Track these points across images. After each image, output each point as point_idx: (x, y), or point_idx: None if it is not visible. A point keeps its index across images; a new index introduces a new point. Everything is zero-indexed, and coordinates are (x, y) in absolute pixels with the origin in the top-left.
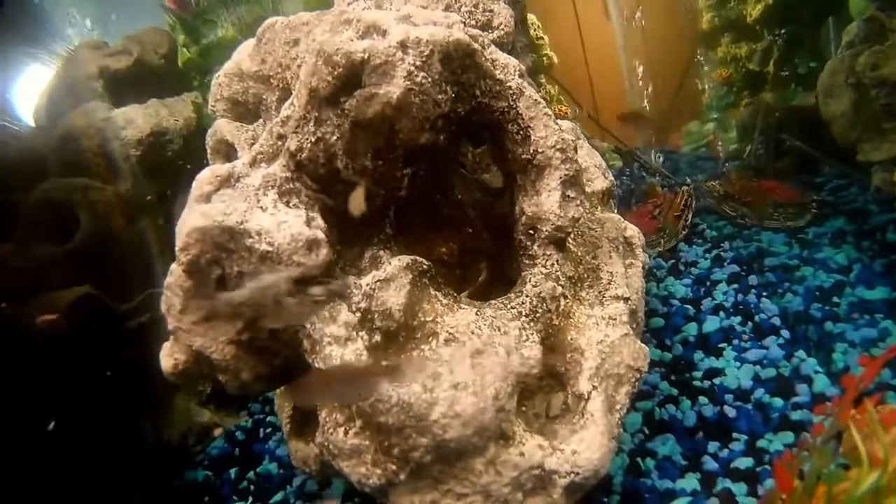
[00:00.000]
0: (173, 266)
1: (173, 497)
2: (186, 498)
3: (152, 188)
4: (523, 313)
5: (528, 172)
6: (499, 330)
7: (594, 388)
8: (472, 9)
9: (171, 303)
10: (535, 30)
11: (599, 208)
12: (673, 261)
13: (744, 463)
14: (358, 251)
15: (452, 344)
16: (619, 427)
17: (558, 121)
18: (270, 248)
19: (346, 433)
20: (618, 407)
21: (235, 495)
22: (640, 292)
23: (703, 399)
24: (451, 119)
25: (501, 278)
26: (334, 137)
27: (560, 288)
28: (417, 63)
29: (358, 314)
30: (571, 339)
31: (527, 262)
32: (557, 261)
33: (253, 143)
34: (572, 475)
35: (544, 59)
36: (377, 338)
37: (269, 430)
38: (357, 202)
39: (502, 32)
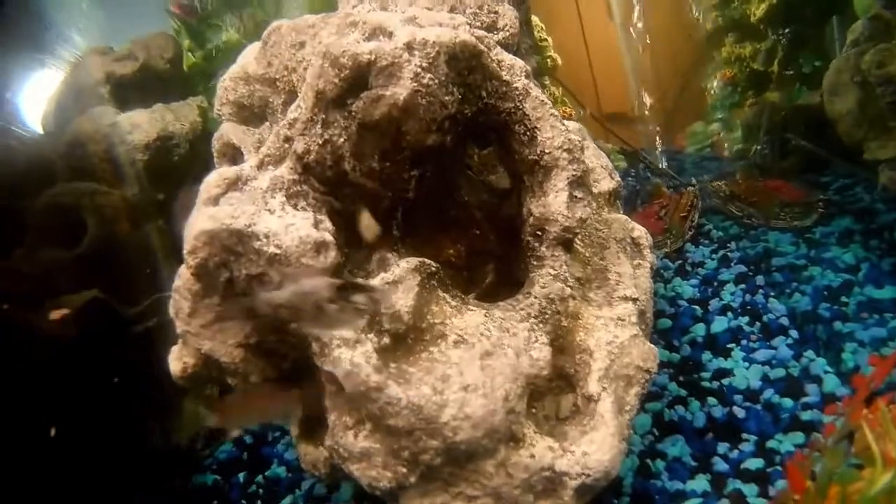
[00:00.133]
0: (181, 269)
1: (182, 501)
2: (195, 502)
3: (158, 192)
4: (532, 315)
5: (535, 173)
6: (508, 331)
7: (604, 389)
8: (477, 10)
9: (180, 306)
10: (538, 31)
11: (606, 209)
12: (679, 261)
13: (754, 464)
14: (365, 253)
15: (462, 346)
16: (629, 428)
17: (564, 121)
18: (278, 251)
19: (355, 436)
20: (628, 408)
21: (244, 499)
22: (649, 293)
23: (712, 400)
24: (458, 120)
25: (509, 280)
26: (341, 139)
27: (568, 289)
28: (424, 64)
29: (366, 316)
30: (580, 340)
31: (535, 263)
32: (565, 262)
33: (259, 147)
34: (583, 477)
35: (548, 60)
36: (386, 340)
37: (277, 433)
38: (369, 227)
39: (507, 34)
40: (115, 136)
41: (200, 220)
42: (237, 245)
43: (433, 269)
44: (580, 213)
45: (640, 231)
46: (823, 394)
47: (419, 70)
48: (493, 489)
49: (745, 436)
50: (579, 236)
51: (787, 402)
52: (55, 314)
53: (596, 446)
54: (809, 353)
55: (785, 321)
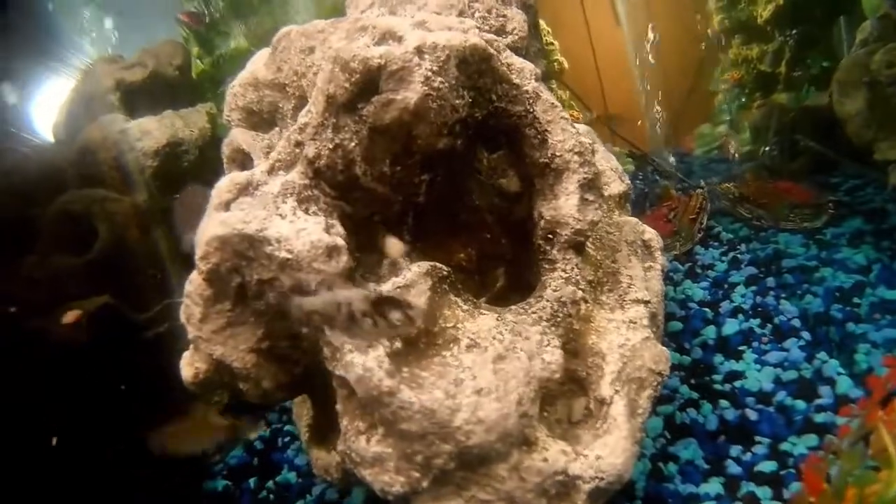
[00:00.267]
0: (193, 275)
1: None
2: None
3: (168, 198)
4: (544, 318)
5: (546, 176)
6: (520, 335)
7: (616, 392)
8: (486, 14)
9: (192, 311)
10: (545, 35)
11: (617, 212)
12: (689, 264)
13: (768, 466)
14: (377, 258)
15: (474, 350)
16: (642, 431)
17: (575, 124)
18: (290, 256)
19: (368, 441)
20: (640, 411)
21: None
22: (660, 295)
23: (724, 402)
24: (469, 124)
25: (520, 283)
26: (352, 144)
27: (580, 292)
28: (434, 68)
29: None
30: (592, 343)
31: (546, 266)
32: (577, 265)
33: (269, 152)
34: (596, 480)
35: (555, 64)
36: (398, 344)
37: (287, 439)
38: (394, 246)
39: (516, 37)
40: (125, 143)
41: (212, 226)
42: (249, 250)
43: (445, 272)
44: (591, 216)
45: (650, 233)
46: (837, 396)
47: (430, 74)
48: (507, 493)
49: (757, 438)
50: (590, 239)
51: (800, 404)
52: (69, 316)
53: (609, 450)
54: (822, 355)
55: (797, 323)
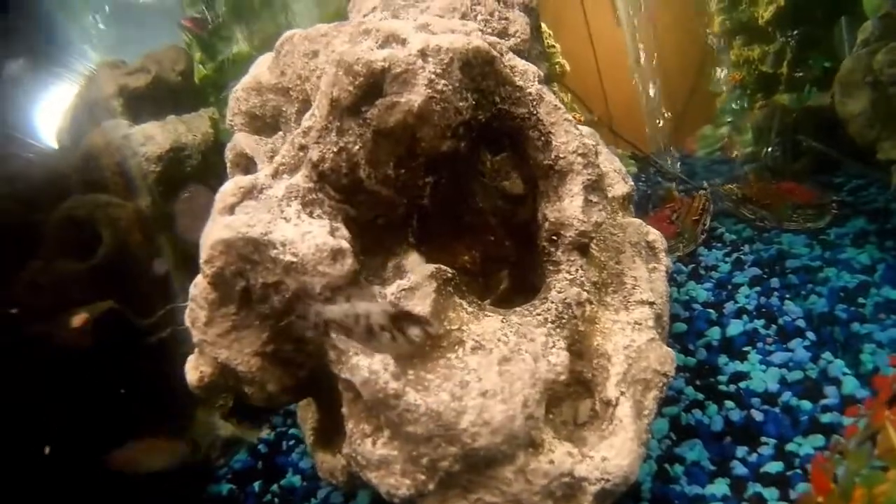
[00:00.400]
0: (198, 278)
1: None
2: None
3: (171, 203)
4: (549, 320)
5: (550, 178)
6: (525, 337)
7: (622, 393)
8: (488, 17)
9: (196, 315)
10: (546, 38)
11: (621, 213)
12: (693, 265)
13: (774, 467)
14: (381, 260)
15: (479, 352)
16: (648, 433)
17: (579, 126)
18: (295, 259)
19: (374, 444)
20: (646, 412)
21: None
22: (665, 296)
23: (729, 403)
24: (472, 126)
25: (524, 286)
26: (356, 147)
27: (585, 293)
28: (438, 71)
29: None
30: (598, 344)
31: (551, 268)
32: (581, 266)
33: (272, 156)
34: (602, 482)
35: (556, 66)
36: None
37: (291, 442)
38: (415, 263)
39: (518, 40)
40: (129, 148)
41: (216, 229)
42: (253, 254)
43: (449, 275)
44: (596, 218)
45: (654, 234)
46: (842, 396)
47: (433, 76)
48: (513, 495)
49: (763, 439)
50: (595, 241)
51: (806, 404)
52: (77, 319)
53: (615, 451)
54: (827, 355)
55: (801, 323)
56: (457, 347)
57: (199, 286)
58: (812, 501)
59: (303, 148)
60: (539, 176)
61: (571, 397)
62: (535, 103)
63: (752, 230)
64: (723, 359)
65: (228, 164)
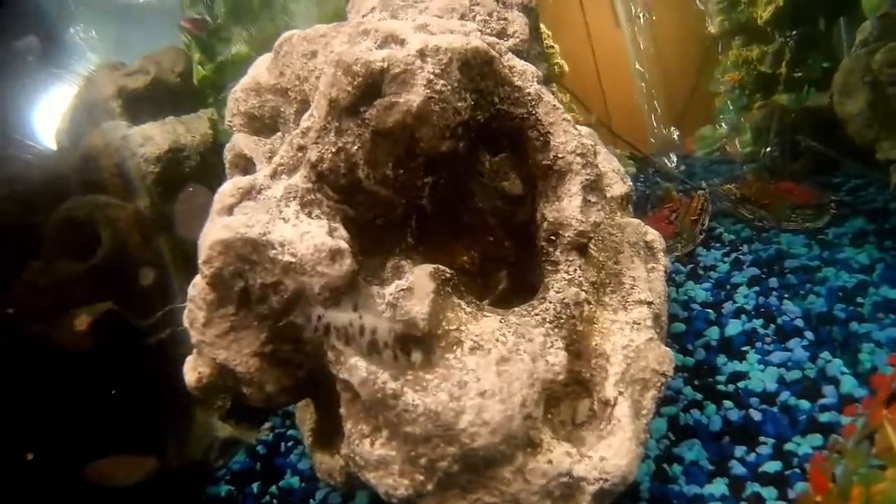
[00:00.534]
0: (196, 279)
1: None
2: None
3: (170, 204)
4: (547, 320)
5: (549, 178)
6: (523, 337)
7: (620, 393)
8: (487, 17)
9: (195, 316)
10: (545, 38)
11: (619, 213)
12: (691, 265)
13: (772, 467)
14: (380, 261)
15: (478, 352)
16: (646, 432)
17: (577, 126)
18: (293, 259)
19: (372, 444)
20: (644, 412)
21: None
22: (663, 296)
23: (727, 403)
24: (471, 126)
25: (523, 286)
26: (355, 147)
27: (583, 293)
28: (436, 71)
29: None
30: (596, 344)
31: (549, 268)
32: (580, 266)
33: (271, 157)
34: (601, 482)
35: (555, 67)
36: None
37: (290, 443)
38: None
39: (517, 40)
40: (127, 149)
41: (215, 230)
42: (252, 254)
43: (448, 275)
44: (594, 218)
45: (653, 234)
46: (841, 395)
47: (432, 77)
48: (512, 495)
49: (762, 439)
50: (593, 241)
51: (804, 404)
52: (81, 322)
53: (613, 451)
54: (825, 355)
55: (800, 323)
56: (455, 347)
57: (197, 287)
58: (810, 501)
59: (301, 148)
60: (538, 176)
61: (570, 397)
62: (533, 103)
63: (750, 230)
64: (721, 358)
65: (227, 165)
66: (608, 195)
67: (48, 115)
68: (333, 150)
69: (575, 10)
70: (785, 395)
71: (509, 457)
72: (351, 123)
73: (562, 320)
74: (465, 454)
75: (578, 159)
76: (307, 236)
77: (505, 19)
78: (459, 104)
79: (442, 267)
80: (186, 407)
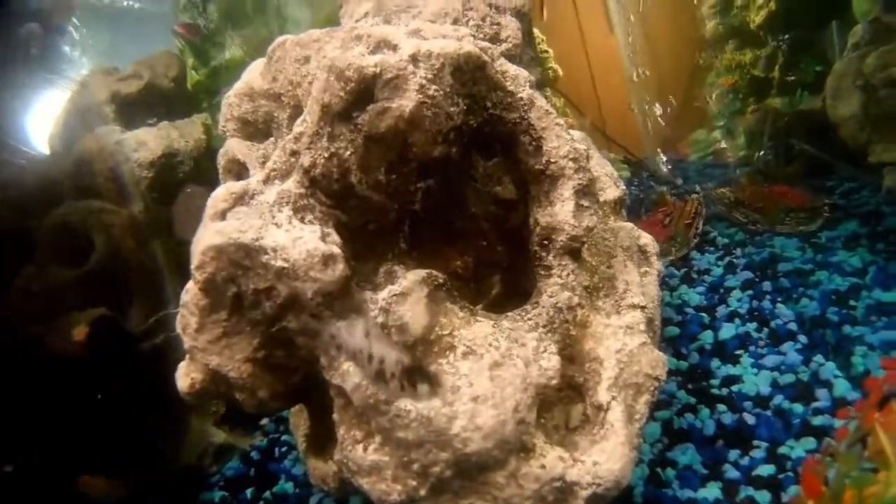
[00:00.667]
0: (189, 284)
1: None
2: None
3: (164, 209)
4: (540, 324)
5: (542, 183)
6: (516, 342)
7: (613, 397)
8: (480, 22)
9: (188, 322)
10: (539, 43)
11: (612, 217)
12: (685, 269)
13: (766, 470)
14: (373, 266)
15: (470, 357)
16: (640, 437)
17: (570, 131)
18: (286, 265)
19: (365, 449)
20: (637, 416)
21: None
22: (657, 300)
23: (721, 407)
24: (464, 131)
25: (516, 290)
26: (348, 152)
27: (576, 298)
28: (429, 76)
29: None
30: (589, 349)
31: (542, 272)
32: (573, 271)
33: (264, 162)
34: (594, 486)
35: (549, 72)
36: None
37: (284, 449)
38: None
39: (510, 45)
40: (121, 154)
41: (208, 235)
42: (245, 259)
43: (441, 280)
44: (587, 222)
45: (646, 239)
46: (834, 398)
47: (424, 82)
48: (505, 500)
49: (755, 442)
50: (586, 245)
51: (798, 407)
52: (79, 332)
53: (606, 455)
54: (819, 358)
55: (793, 326)
56: (448, 353)
57: (190, 292)
58: None
59: (294, 153)
60: (530, 181)
61: (563, 402)
62: (526, 108)
63: (744, 234)
64: (715, 362)
65: (220, 170)
66: (601, 199)
67: (42, 120)
68: (326, 155)
69: (569, 15)
70: (778, 399)
71: (502, 462)
72: (343, 129)
73: (555, 325)
74: (457, 459)
75: (571, 164)
76: (300, 241)
77: (498, 24)
78: (452, 109)
79: (435, 272)
80: (180, 413)
